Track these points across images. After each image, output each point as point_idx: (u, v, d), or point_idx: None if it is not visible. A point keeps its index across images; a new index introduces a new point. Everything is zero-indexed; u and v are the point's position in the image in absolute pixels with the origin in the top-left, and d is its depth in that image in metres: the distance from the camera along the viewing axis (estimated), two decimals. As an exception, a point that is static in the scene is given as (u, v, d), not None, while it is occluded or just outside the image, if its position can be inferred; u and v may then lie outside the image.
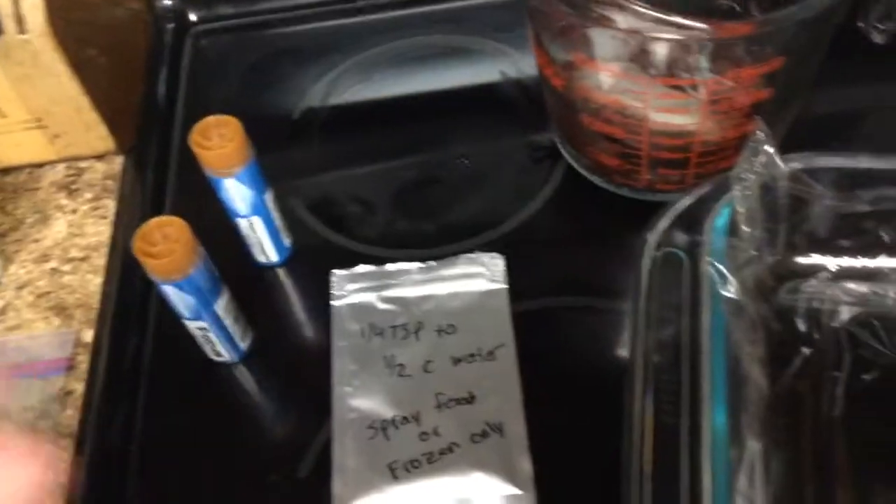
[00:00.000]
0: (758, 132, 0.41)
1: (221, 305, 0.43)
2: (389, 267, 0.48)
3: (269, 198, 0.46)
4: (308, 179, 0.55)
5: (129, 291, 0.50)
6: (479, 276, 0.48)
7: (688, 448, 0.35)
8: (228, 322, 0.44)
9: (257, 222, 0.46)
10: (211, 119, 0.43)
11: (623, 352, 0.44)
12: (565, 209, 0.52)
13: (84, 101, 0.52)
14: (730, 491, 0.34)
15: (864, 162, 0.43)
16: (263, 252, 0.48)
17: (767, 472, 0.38)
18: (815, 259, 0.45)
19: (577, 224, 0.51)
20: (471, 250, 0.49)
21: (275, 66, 0.61)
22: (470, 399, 0.43)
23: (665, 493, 0.34)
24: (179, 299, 0.41)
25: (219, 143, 0.43)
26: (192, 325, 0.43)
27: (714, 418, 0.36)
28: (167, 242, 0.40)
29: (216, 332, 0.44)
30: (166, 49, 0.63)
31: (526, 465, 0.41)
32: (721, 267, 0.39)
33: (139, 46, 0.62)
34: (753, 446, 0.35)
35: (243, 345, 0.46)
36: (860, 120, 0.54)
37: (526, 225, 0.51)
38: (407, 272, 0.48)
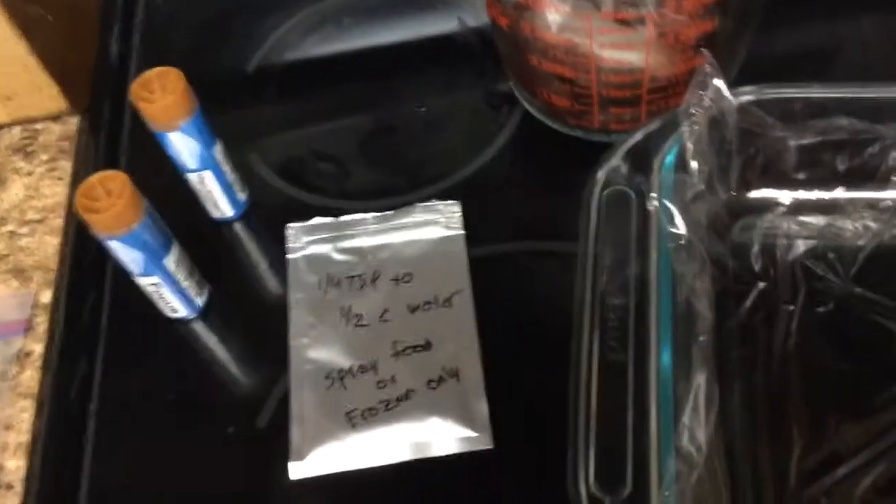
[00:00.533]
0: (706, 65, 0.40)
1: (172, 261, 0.42)
2: (345, 218, 0.48)
3: (218, 151, 0.46)
4: (264, 133, 0.54)
5: (86, 252, 0.50)
6: (436, 223, 0.47)
7: (634, 385, 0.35)
8: (181, 277, 0.43)
9: (208, 176, 0.46)
10: (152, 72, 0.43)
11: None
12: (521, 154, 0.51)
13: (32, 61, 0.51)
14: (675, 425, 0.34)
15: (815, 92, 0.42)
16: (217, 207, 0.48)
17: (721, 405, 0.38)
18: (769, 193, 0.45)
19: (532, 168, 0.51)
20: (428, 199, 0.49)
21: (229, 20, 0.60)
22: (426, 346, 0.43)
23: (612, 430, 0.34)
24: (126, 255, 0.41)
25: (161, 95, 0.42)
26: (144, 282, 0.43)
27: (661, 354, 0.36)
28: (110, 197, 0.39)
29: (169, 288, 0.43)
30: (118, 6, 0.62)
31: (482, 409, 0.41)
32: (668, 203, 0.39)
33: (91, 4, 0.61)
34: (700, 379, 0.35)
35: (199, 300, 0.45)
36: (817, 53, 0.53)
37: (482, 171, 0.50)
38: (363, 222, 0.48)
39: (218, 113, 0.46)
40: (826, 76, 0.52)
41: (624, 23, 0.41)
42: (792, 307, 0.42)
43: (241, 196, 0.49)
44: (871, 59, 0.53)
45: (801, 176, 0.44)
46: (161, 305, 0.44)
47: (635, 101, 0.45)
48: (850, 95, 0.42)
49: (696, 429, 0.33)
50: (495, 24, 0.46)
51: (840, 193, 0.44)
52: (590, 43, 0.42)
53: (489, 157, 0.51)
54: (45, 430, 0.43)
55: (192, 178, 0.46)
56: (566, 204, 0.48)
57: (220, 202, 0.48)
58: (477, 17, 0.58)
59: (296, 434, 0.41)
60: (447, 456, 0.40)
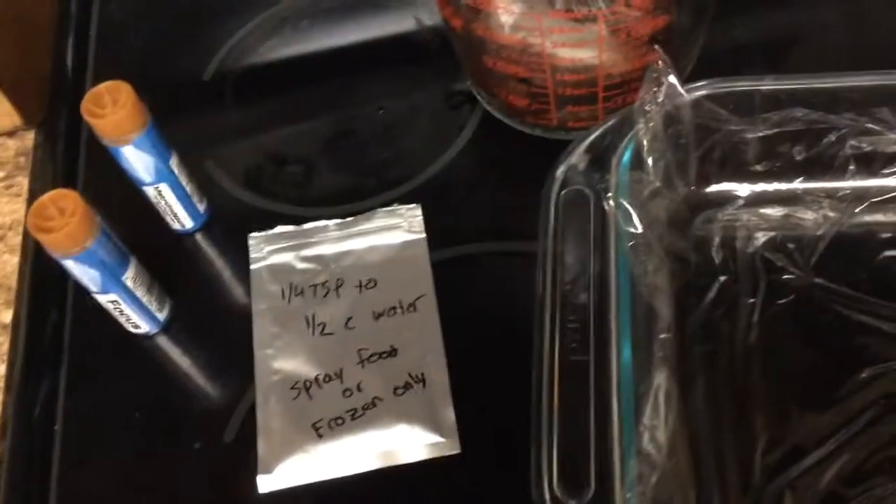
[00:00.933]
0: (658, 62, 0.40)
1: (130, 277, 0.42)
2: (307, 226, 0.48)
3: (174, 162, 0.45)
4: (222, 141, 0.54)
5: (47, 269, 0.49)
6: (398, 227, 0.47)
7: (595, 386, 0.35)
8: (141, 293, 0.43)
9: (165, 189, 0.45)
10: (102, 86, 0.42)
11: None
12: (482, 154, 0.51)
13: (-18, 77, 0.50)
14: (637, 424, 0.34)
15: (768, 84, 0.42)
16: (177, 219, 0.47)
17: (685, 401, 0.38)
18: (728, 187, 0.45)
19: (493, 168, 0.51)
20: (391, 202, 0.48)
21: (185, 27, 0.60)
22: (392, 352, 0.43)
23: (574, 431, 0.34)
24: (83, 273, 0.40)
25: (112, 110, 0.41)
26: (103, 300, 0.42)
27: (621, 354, 0.36)
28: (63, 216, 0.39)
29: (129, 305, 0.43)
30: (72, 15, 0.61)
31: (449, 414, 0.41)
32: (624, 202, 0.39)
33: (43, 15, 0.60)
34: (660, 378, 0.35)
35: (161, 315, 0.45)
36: (773, 44, 0.53)
37: (444, 172, 0.50)
38: (324, 229, 0.47)
39: (175, 122, 0.46)
40: (783, 66, 0.52)
41: (576, 21, 0.41)
42: (753, 300, 0.42)
43: (201, 207, 0.48)
44: (829, 47, 0.53)
45: (758, 168, 0.45)
46: (122, 322, 0.44)
47: (592, 99, 0.45)
48: (804, 86, 0.42)
49: (657, 429, 0.33)
50: (449, 25, 0.46)
51: (798, 184, 0.45)
52: (543, 42, 0.42)
53: (450, 158, 0.51)
54: (10, 452, 0.43)
55: (149, 191, 0.45)
56: (527, 203, 0.48)
57: (179, 214, 0.47)
58: (433, 17, 0.58)
59: (263, 447, 0.41)
60: (415, 463, 0.40)
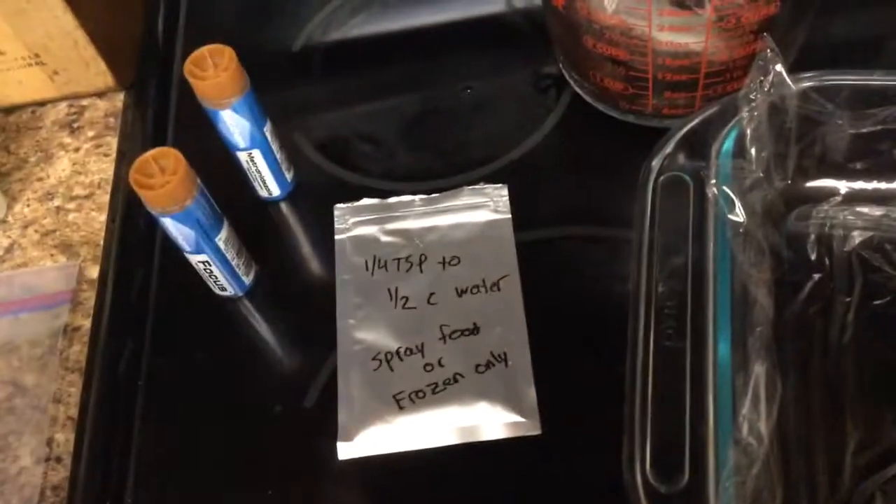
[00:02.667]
0: (767, 50, 0.39)
1: (223, 239, 0.42)
2: (392, 199, 0.48)
3: (268, 130, 0.45)
4: (309, 113, 0.54)
5: (134, 227, 0.50)
6: (483, 206, 0.47)
7: (691, 374, 0.35)
8: (231, 256, 0.43)
9: (257, 155, 0.46)
10: (205, 49, 0.42)
11: (628, 280, 0.44)
12: (570, 138, 0.50)
13: (80, 35, 0.51)
14: (734, 416, 0.33)
15: (877, 80, 0.41)
16: (265, 186, 0.48)
17: (773, 398, 0.37)
18: (826, 183, 0.44)
19: (582, 152, 0.50)
20: (475, 181, 0.48)
21: (274, -1, 0.60)
22: (474, 330, 0.43)
23: (668, 418, 0.34)
24: (179, 232, 0.41)
25: (213, 73, 0.42)
26: (195, 259, 0.43)
27: (719, 343, 0.35)
28: (163, 174, 0.39)
29: (219, 266, 0.43)
30: (164, -16, 0.61)
31: (530, 394, 0.41)
32: (728, 190, 0.38)
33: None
34: (759, 370, 0.34)
35: (247, 279, 0.45)
36: (875, 40, 0.52)
37: (530, 154, 0.50)
38: (410, 204, 0.47)
39: (263, 91, 0.46)
40: (880, 63, 0.51)
41: (683, 5, 0.40)
42: (848, 299, 0.41)
43: (288, 175, 0.49)
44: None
45: (858, 165, 0.44)
46: (210, 283, 0.45)
47: (691, 86, 0.44)
48: (914, 83, 0.41)
49: (757, 420, 0.32)
50: (548, 4, 0.45)
51: (898, 184, 0.44)
52: (648, 25, 0.41)
53: (537, 141, 0.50)
54: (94, 405, 0.44)
55: (242, 156, 0.46)
56: (615, 189, 0.48)
57: (268, 181, 0.48)
58: (524, -1, 0.57)
59: (344, 414, 0.41)
60: (494, 441, 0.40)
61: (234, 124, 0.44)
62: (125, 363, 0.45)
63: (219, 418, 0.43)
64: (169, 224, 0.40)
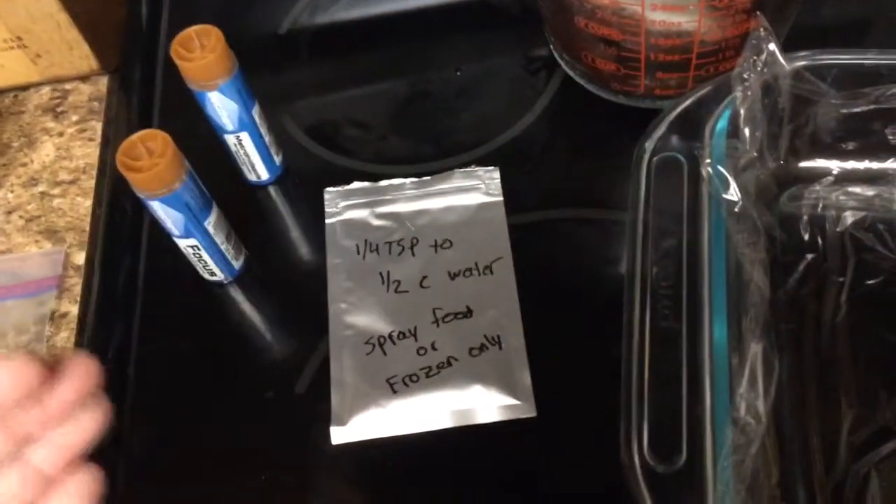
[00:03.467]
0: (760, 29, 0.39)
1: (212, 223, 0.42)
2: (383, 183, 0.47)
3: (256, 112, 0.45)
4: (297, 96, 0.53)
5: (120, 212, 0.49)
6: (475, 189, 0.47)
7: (687, 354, 0.34)
8: (220, 240, 0.43)
9: (245, 138, 0.45)
10: (192, 29, 0.42)
11: (621, 262, 0.43)
12: (562, 119, 0.50)
13: (63, 18, 0.50)
14: (731, 395, 0.33)
15: (870, 58, 0.41)
16: (254, 170, 0.47)
17: (770, 377, 0.37)
18: (818, 163, 0.44)
19: (574, 134, 0.50)
20: (467, 164, 0.48)
21: (260, -19, 0.59)
22: (468, 313, 0.43)
23: (665, 398, 0.34)
24: (167, 216, 0.40)
25: (200, 54, 0.41)
26: (183, 244, 0.42)
27: (714, 323, 0.35)
28: (151, 156, 0.39)
29: (208, 251, 0.43)
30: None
31: (525, 377, 0.41)
32: (722, 170, 0.38)
33: (120, -37, 0.59)
34: (755, 349, 0.34)
35: (237, 264, 0.45)
36: (865, 19, 0.52)
37: (522, 136, 0.49)
38: (401, 187, 0.47)
39: (250, 75, 0.45)
40: (871, 39, 0.51)
41: (677, -16, 0.40)
42: (841, 279, 0.41)
43: (277, 159, 0.48)
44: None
45: (850, 145, 0.43)
46: (199, 268, 0.44)
47: (684, 66, 0.44)
48: (907, 62, 0.41)
49: (754, 399, 0.32)
50: (541, -15, 0.45)
51: (890, 164, 0.44)
52: (640, 4, 0.41)
53: (528, 123, 0.50)
54: (82, 393, 0.43)
55: (230, 139, 0.45)
56: (608, 170, 0.48)
57: (256, 165, 0.47)
58: (513, -21, 0.57)
59: (336, 399, 0.41)
60: (490, 423, 0.40)
61: (222, 106, 0.43)
62: (113, 350, 0.45)
63: (210, 405, 0.43)
64: (157, 207, 0.40)
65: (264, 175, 0.48)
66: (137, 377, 0.44)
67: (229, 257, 0.44)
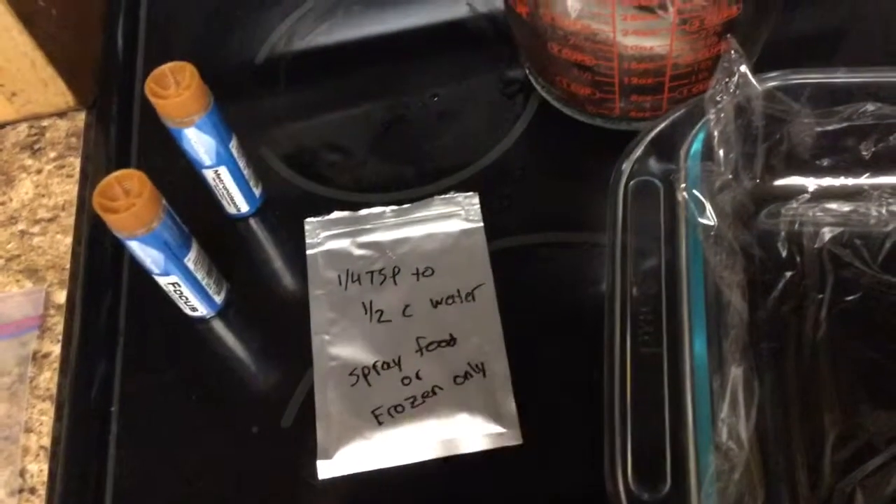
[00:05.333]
0: (731, 51, 0.40)
1: (192, 259, 0.42)
2: (363, 212, 0.47)
3: (234, 146, 0.45)
4: (275, 126, 0.53)
5: (100, 250, 0.49)
6: (455, 215, 0.47)
7: (669, 379, 0.35)
8: (201, 276, 0.43)
9: (224, 172, 0.45)
10: (166, 67, 0.42)
11: (602, 284, 0.44)
12: (539, 143, 0.50)
13: (38, 56, 0.50)
14: (713, 419, 0.34)
15: (841, 77, 0.42)
16: (233, 203, 0.47)
17: (751, 401, 0.37)
18: (794, 181, 0.44)
19: (552, 157, 0.50)
20: (447, 190, 0.48)
21: (236, 10, 0.59)
22: (451, 341, 0.43)
23: (648, 426, 0.34)
24: (146, 255, 0.40)
25: (175, 91, 0.41)
26: (164, 281, 0.42)
27: (695, 347, 0.35)
28: (128, 196, 0.38)
29: (189, 287, 0.43)
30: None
31: (510, 404, 0.41)
32: (697, 194, 0.38)
33: (93, -3, 0.59)
34: (736, 372, 0.34)
35: (218, 298, 0.45)
36: (836, 36, 0.53)
37: (500, 161, 0.50)
38: (381, 216, 0.47)
39: (227, 105, 0.45)
40: (843, 57, 0.52)
41: (647, 9, 0.40)
42: (821, 296, 0.42)
43: (256, 191, 0.48)
44: (890, 37, 0.52)
45: (825, 162, 0.44)
46: (181, 304, 0.44)
47: (657, 89, 0.44)
48: (877, 79, 0.41)
49: (736, 424, 0.32)
50: (512, 12, 0.45)
51: (865, 180, 0.44)
52: (612, 30, 0.41)
53: (506, 147, 0.50)
54: (67, 433, 0.43)
55: (208, 174, 0.45)
56: (586, 193, 0.48)
57: (235, 198, 0.47)
58: (487, 3, 0.57)
59: (322, 432, 0.41)
60: (476, 453, 0.40)
61: (199, 142, 0.43)
62: (97, 389, 0.44)
63: (195, 442, 0.42)
64: (135, 247, 0.40)
65: (244, 207, 0.48)
66: (121, 415, 0.43)
67: (211, 292, 0.44)
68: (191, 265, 0.42)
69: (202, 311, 0.44)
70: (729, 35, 0.40)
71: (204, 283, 0.43)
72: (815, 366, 0.40)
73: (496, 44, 0.55)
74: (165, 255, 0.40)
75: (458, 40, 0.56)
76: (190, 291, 0.43)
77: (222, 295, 0.45)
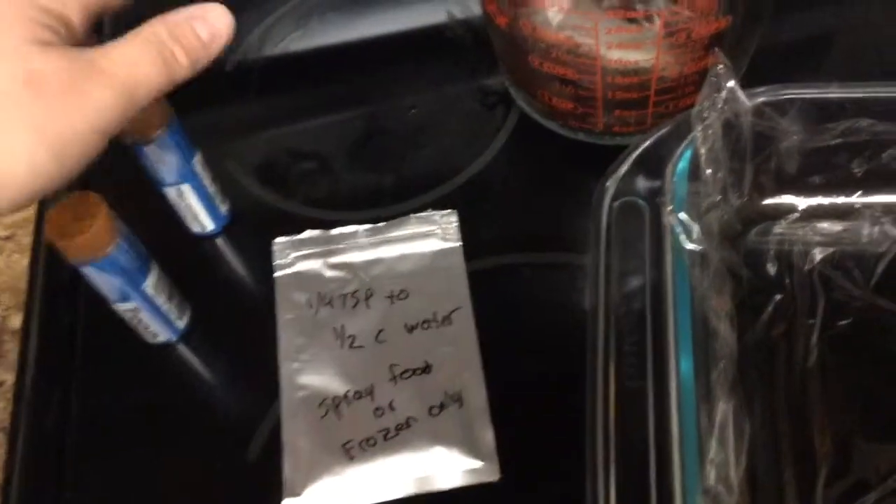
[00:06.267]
0: (719, 66, 0.38)
1: (151, 284, 0.40)
2: (335, 231, 0.45)
3: (198, 161, 0.43)
4: (245, 138, 0.51)
5: (58, 271, 0.46)
6: (432, 235, 0.45)
7: (654, 415, 0.33)
8: (161, 301, 0.41)
9: (187, 190, 0.43)
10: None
11: (585, 308, 0.42)
12: (520, 158, 0.48)
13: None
14: (701, 460, 0.32)
15: (833, 92, 0.40)
16: (197, 221, 0.45)
17: (741, 438, 0.36)
18: (784, 199, 0.43)
19: (533, 173, 0.48)
20: (424, 206, 0.46)
21: (205, 17, 0.57)
22: (426, 369, 0.41)
23: (633, 465, 0.32)
24: (102, 281, 0.38)
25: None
26: (122, 308, 0.40)
27: (681, 377, 0.34)
28: (81, 222, 0.36)
29: (149, 313, 0.40)
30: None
31: (488, 436, 0.39)
32: (684, 217, 0.37)
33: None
34: (724, 408, 0.33)
35: (180, 323, 0.42)
36: (824, 45, 0.51)
37: (479, 176, 0.48)
38: (354, 235, 0.45)
39: (194, 116, 0.43)
40: (832, 68, 0.50)
41: (632, 21, 0.38)
42: (812, 321, 0.40)
43: (223, 208, 0.46)
44: (881, 48, 0.51)
45: (816, 180, 0.42)
46: (140, 330, 0.42)
47: (642, 104, 0.42)
48: (870, 95, 0.40)
49: (725, 466, 0.31)
50: (492, 22, 0.43)
51: (857, 198, 0.42)
52: (595, 43, 0.39)
53: (486, 162, 0.48)
54: (20, 466, 0.40)
55: (170, 191, 0.43)
56: (570, 210, 0.46)
57: (199, 216, 0.45)
58: (465, 10, 0.55)
59: (289, 468, 0.39)
60: (452, 489, 0.38)
61: (159, 159, 0.41)
62: (52, 420, 0.42)
63: (155, 477, 0.40)
64: (91, 274, 0.37)
65: (209, 226, 0.45)
66: (78, 447, 0.41)
67: (172, 317, 0.42)
68: (150, 290, 0.40)
69: (163, 336, 0.42)
70: (716, 48, 0.39)
71: (165, 308, 0.41)
72: (805, 395, 0.38)
73: (475, 52, 0.53)
74: (122, 281, 0.38)
75: (436, 48, 0.54)
76: (150, 317, 0.41)
77: (185, 319, 0.43)
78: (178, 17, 0.31)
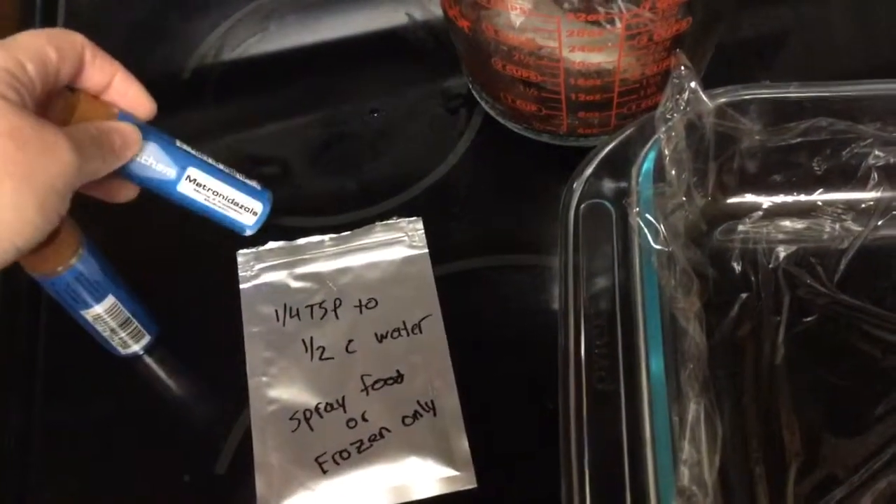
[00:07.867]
0: (681, 67, 0.38)
1: (115, 296, 0.39)
2: (300, 241, 0.45)
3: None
4: (204, 145, 0.49)
5: (18, 280, 0.45)
6: (398, 242, 0.44)
7: (626, 414, 0.33)
8: (126, 314, 0.40)
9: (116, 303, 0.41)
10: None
11: (554, 310, 0.42)
12: (485, 161, 0.48)
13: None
14: (675, 461, 0.32)
15: (793, 92, 0.40)
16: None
17: (714, 438, 0.36)
18: (747, 198, 0.43)
19: (498, 175, 0.48)
20: (388, 213, 0.46)
21: (161, 21, 0.56)
22: (398, 378, 0.40)
23: (607, 468, 0.32)
24: (65, 293, 0.37)
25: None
26: (86, 319, 0.39)
27: (652, 377, 0.34)
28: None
29: (114, 326, 0.39)
30: (37, 9, 0.56)
31: (462, 444, 0.39)
32: (651, 218, 0.37)
33: (6, 6, 0.55)
34: (695, 408, 0.33)
35: (146, 336, 0.42)
36: (783, 43, 0.52)
37: (444, 180, 0.47)
38: (319, 245, 0.44)
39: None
40: (789, 66, 0.51)
41: (594, 23, 0.38)
42: (777, 318, 0.40)
43: (185, 219, 0.45)
44: (836, 45, 0.52)
45: (778, 178, 0.43)
46: (105, 343, 0.41)
47: (605, 105, 0.42)
48: (830, 94, 0.40)
49: (698, 465, 0.31)
50: (454, 25, 0.43)
51: (819, 196, 0.43)
52: (558, 45, 0.39)
53: (450, 166, 0.48)
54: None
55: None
56: (536, 212, 0.46)
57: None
58: (425, 12, 0.55)
59: (261, 483, 0.38)
60: (428, 499, 0.38)
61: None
62: (12, 436, 0.41)
63: (122, 492, 0.39)
64: (53, 286, 0.36)
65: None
66: (41, 464, 0.40)
67: (137, 330, 0.41)
68: (114, 303, 0.39)
69: (128, 349, 0.41)
70: (678, 50, 0.39)
71: (129, 320, 0.40)
72: (774, 393, 0.39)
73: (437, 54, 0.52)
74: (86, 293, 0.37)
75: (396, 51, 0.54)
76: (115, 330, 0.40)
77: (151, 332, 0.42)
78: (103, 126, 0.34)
